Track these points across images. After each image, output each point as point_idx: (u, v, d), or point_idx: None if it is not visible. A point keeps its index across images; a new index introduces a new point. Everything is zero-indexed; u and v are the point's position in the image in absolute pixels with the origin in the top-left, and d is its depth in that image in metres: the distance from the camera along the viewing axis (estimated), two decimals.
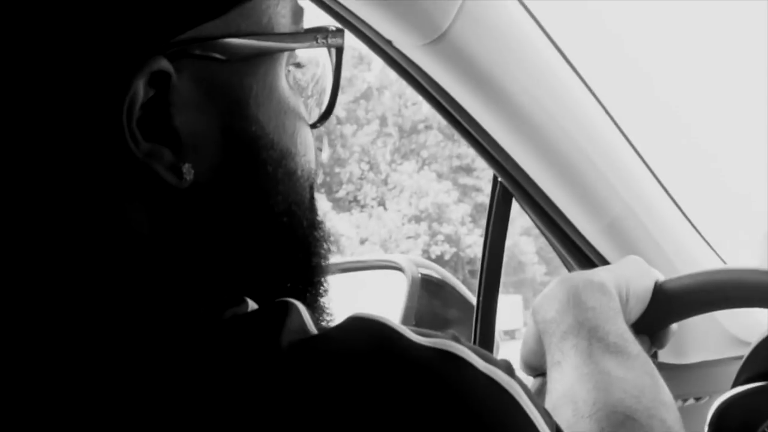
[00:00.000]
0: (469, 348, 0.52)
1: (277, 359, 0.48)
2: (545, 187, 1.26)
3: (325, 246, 0.63)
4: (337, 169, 19.36)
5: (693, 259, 1.29)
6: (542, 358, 0.82)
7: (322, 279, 0.63)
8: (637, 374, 0.75)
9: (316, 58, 0.65)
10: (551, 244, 1.40)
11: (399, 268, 1.94)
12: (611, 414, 0.70)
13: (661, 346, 0.93)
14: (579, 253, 1.33)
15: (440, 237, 18.44)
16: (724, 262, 1.35)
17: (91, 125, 0.52)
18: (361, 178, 19.29)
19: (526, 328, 0.86)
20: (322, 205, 0.66)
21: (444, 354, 0.50)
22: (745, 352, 1.06)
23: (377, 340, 0.50)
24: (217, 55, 0.54)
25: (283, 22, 0.59)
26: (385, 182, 19.31)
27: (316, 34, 0.61)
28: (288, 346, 0.48)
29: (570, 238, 1.32)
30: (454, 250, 18.55)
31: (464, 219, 18.29)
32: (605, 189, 1.24)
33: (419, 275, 1.91)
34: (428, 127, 18.79)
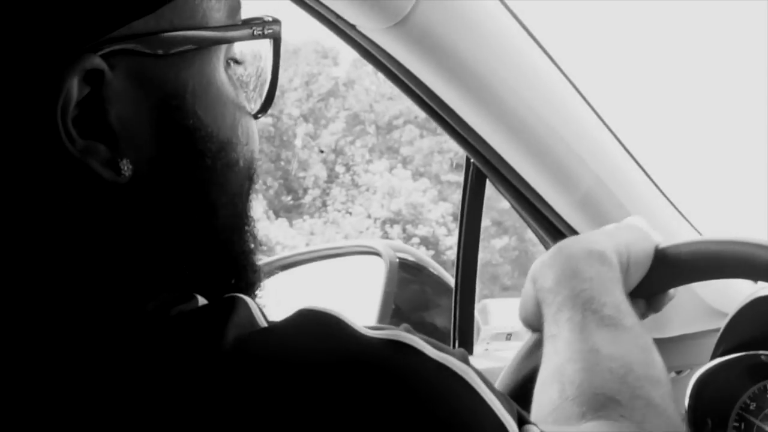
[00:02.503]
0: (421, 338, 0.51)
1: (220, 356, 0.47)
2: (516, 165, 1.26)
3: (253, 240, 0.63)
4: (301, 174, 18.47)
5: (667, 231, 1.28)
6: (540, 319, 0.82)
7: (254, 274, 0.62)
8: (627, 349, 0.74)
9: (258, 51, 0.65)
10: (526, 222, 1.40)
11: (376, 253, 1.92)
12: (593, 397, 0.70)
13: (657, 310, 0.93)
14: (553, 229, 1.33)
15: (415, 240, 17.06)
16: (699, 233, 1.34)
17: (25, 126, 0.51)
18: (327, 182, 18.39)
19: (525, 290, 0.86)
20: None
21: (393, 343, 0.50)
22: (723, 323, 1.06)
23: (325, 333, 0.50)
24: (150, 51, 0.54)
25: (217, 16, 0.58)
26: (356, 184, 18.36)
27: (252, 26, 0.61)
28: (233, 341, 0.48)
29: (544, 215, 1.31)
30: (432, 253, 16.63)
31: (444, 219, 17.19)
32: (575, 163, 1.23)
33: (397, 259, 1.89)
34: (407, 122, 18.02)
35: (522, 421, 0.53)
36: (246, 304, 0.52)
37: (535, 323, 0.85)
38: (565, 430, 0.67)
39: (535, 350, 0.86)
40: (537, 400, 0.74)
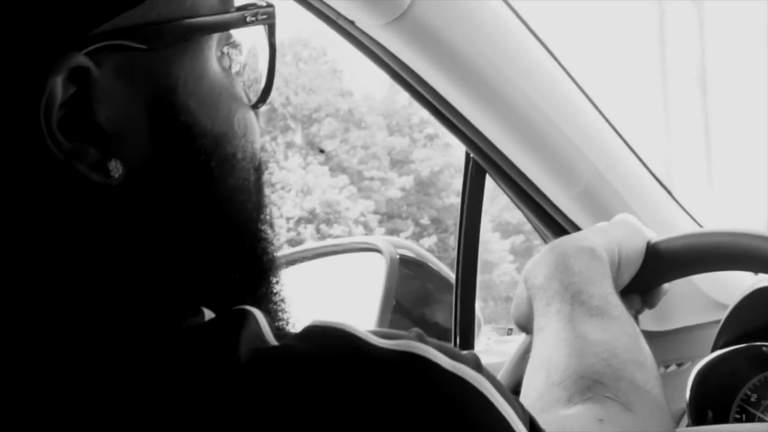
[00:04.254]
0: (435, 346, 0.50)
1: (236, 373, 0.46)
2: (516, 159, 1.26)
3: (270, 231, 0.61)
4: None
5: (668, 223, 1.29)
6: (532, 318, 0.82)
7: (272, 268, 0.61)
8: (613, 335, 0.75)
9: (253, 48, 0.63)
10: (526, 216, 1.40)
11: (377, 250, 1.92)
12: (578, 380, 0.70)
13: (651, 305, 0.93)
14: (553, 223, 1.33)
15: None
16: (700, 225, 1.35)
17: (9, 129, 0.50)
18: None
19: (518, 290, 0.87)
20: None
21: (407, 356, 0.49)
22: (724, 315, 1.06)
23: (338, 348, 0.49)
24: (138, 45, 0.52)
25: (207, 4, 0.56)
26: (269, 182, 17.55)
27: (244, 12, 0.58)
28: (247, 358, 0.47)
29: (544, 209, 1.32)
30: None
31: (366, 217, 15.71)
32: (575, 157, 1.23)
33: (397, 255, 1.89)
34: (328, 115, 17.02)
35: (534, 429, 0.53)
36: (255, 318, 0.50)
37: (527, 324, 0.86)
38: (556, 416, 0.67)
39: (528, 352, 0.87)
40: (524, 389, 0.75)
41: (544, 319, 0.79)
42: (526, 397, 0.73)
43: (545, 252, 0.85)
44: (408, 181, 16.69)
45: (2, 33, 0.49)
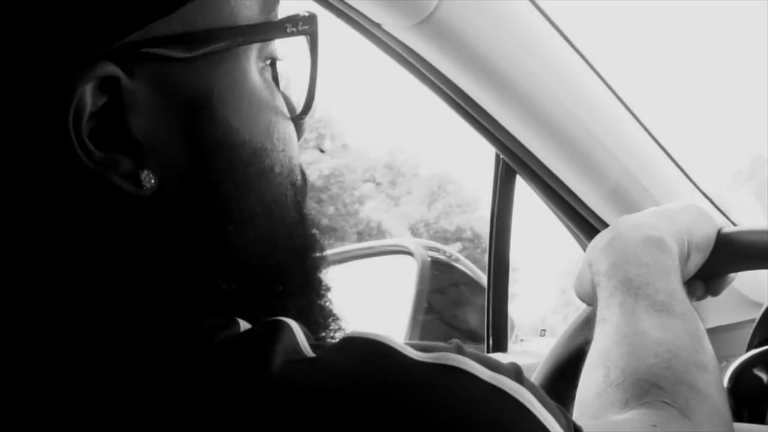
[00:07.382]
0: (473, 358, 0.49)
1: (268, 387, 0.45)
2: (545, 159, 1.25)
3: (315, 243, 0.60)
4: None
5: None
6: (595, 297, 0.81)
7: (318, 278, 0.60)
8: (675, 334, 0.73)
9: (297, 60, 0.63)
10: (557, 216, 1.39)
11: (408, 252, 1.92)
12: (636, 382, 0.69)
13: (716, 293, 0.90)
14: (584, 222, 1.32)
15: None
16: (734, 223, 1.33)
17: (40, 139, 0.49)
18: None
19: (581, 269, 0.85)
20: None
21: (445, 369, 0.48)
22: (758, 313, 1.05)
23: (375, 361, 0.48)
24: (172, 55, 0.51)
25: (247, 14, 0.55)
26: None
27: (285, 24, 0.57)
28: (280, 372, 0.46)
29: (574, 208, 1.31)
30: None
31: None
32: (604, 155, 1.23)
33: (429, 258, 1.89)
34: None
35: None
36: (291, 329, 0.49)
37: (588, 301, 0.84)
38: (608, 423, 0.66)
39: (587, 324, 0.86)
40: (582, 383, 0.73)
41: (607, 310, 0.77)
42: (584, 390, 0.72)
43: (611, 238, 0.82)
44: None
45: (31, 39, 0.49)
